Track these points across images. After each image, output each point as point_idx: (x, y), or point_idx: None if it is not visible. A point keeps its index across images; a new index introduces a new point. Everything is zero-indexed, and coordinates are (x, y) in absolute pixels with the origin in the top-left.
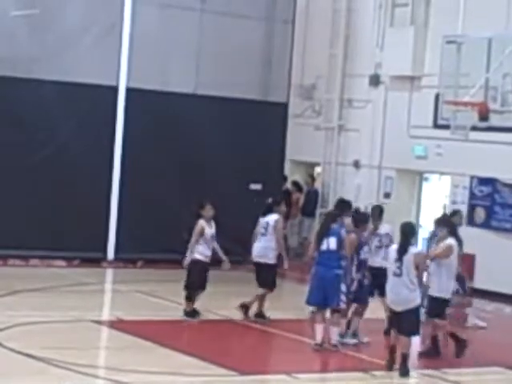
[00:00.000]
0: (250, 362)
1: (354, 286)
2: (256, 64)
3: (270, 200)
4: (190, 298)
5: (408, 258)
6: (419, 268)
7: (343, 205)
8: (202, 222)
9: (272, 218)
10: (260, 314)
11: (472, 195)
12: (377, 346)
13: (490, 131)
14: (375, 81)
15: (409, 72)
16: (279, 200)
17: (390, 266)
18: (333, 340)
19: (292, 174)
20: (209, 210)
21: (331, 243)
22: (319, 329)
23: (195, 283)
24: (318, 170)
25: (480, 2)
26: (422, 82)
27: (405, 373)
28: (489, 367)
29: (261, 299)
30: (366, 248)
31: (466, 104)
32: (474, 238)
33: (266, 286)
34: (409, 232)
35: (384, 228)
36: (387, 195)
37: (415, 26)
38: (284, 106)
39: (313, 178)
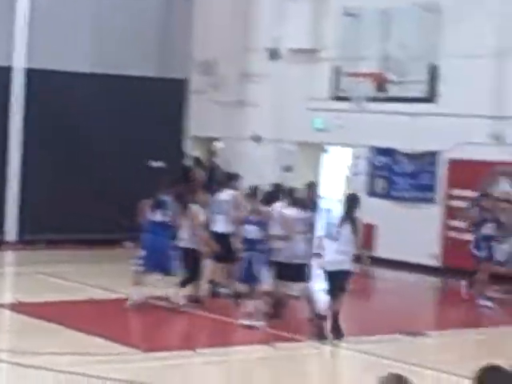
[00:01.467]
0: (154, 340)
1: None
2: (155, 40)
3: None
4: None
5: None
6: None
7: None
8: (196, 208)
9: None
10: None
11: (372, 166)
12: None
13: (388, 102)
14: (274, 54)
15: (308, 45)
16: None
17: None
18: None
19: (195, 150)
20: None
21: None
22: None
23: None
24: (218, 145)
25: None
26: (320, 54)
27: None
28: (390, 334)
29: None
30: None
31: (363, 75)
32: (374, 208)
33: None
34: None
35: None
36: (288, 168)
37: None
38: (183, 82)
39: (213, 154)
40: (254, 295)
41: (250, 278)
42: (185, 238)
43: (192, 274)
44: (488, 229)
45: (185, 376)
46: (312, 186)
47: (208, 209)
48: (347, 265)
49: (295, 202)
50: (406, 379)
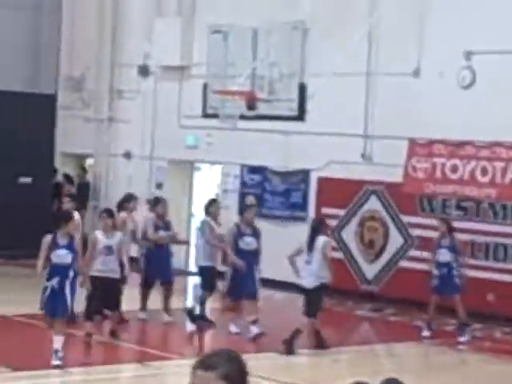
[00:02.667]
0: (23, 358)
1: None
2: (24, 56)
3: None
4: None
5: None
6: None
7: None
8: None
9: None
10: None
11: (243, 183)
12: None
13: (258, 120)
14: (144, 71)
15: (177, 62)
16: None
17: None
18: None
19: (63, 166)
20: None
21: None
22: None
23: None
24: (89, 161)
25: None
26: (191, 71)
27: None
28: (265, 353)
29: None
30: None
31: (233, 93)
32: None
33: None
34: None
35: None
36: (159, 185)
37: (182, 16)
38: (52, 98)
39: (84, 170)
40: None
41: None
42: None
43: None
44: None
45: None
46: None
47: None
48: None
49: None
50: None
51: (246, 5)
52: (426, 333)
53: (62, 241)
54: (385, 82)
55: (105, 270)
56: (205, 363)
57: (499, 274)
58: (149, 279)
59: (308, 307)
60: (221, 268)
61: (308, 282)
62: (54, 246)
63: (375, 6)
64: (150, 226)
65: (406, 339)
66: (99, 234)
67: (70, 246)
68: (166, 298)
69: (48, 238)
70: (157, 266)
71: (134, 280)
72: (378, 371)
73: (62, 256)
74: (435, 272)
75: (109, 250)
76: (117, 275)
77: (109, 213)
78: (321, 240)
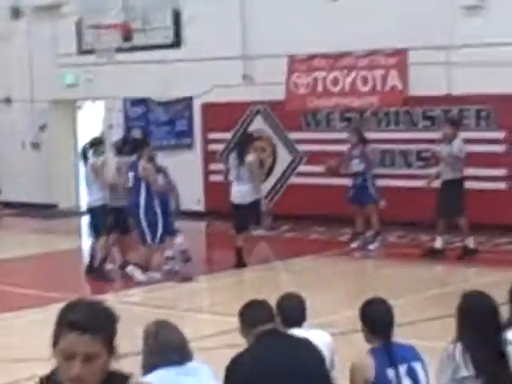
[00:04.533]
0: None
1: None
2: None
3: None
4: None
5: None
6: None
7: None
8: None
9: None
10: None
11: (127, 117)
12: None
13: (135, 51)
14: (16, 13)
15: (49, 1)
16: None
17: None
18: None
19: None
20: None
21: None
22: None
23: None
24: None
25: None
26: (63, 9)
27: None
28: (163, 283)
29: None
30: None
31: (107, 26)
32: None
33: None
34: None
35: None
36: (43, 127)
37: None
38: None
39: None
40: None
41: None
42: None
43: None
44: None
45: None
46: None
47: None
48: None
49: None
50: (168, 324)
51: None
52: (354, 244)
53: None
54: (259, 2)
55: None
56: (80, 324)
57: (388, 180)
58: None
59: (235, 222)
60: None
61: (239, 197)
62: None
63: None
64: None
65: (303, 254)
66: None
67: None
68: None
69: None
70: None
71: None
72: (278, 288)
73: None
74: (349, 183)
75: None
76: None
77: None
78: (250, 157)
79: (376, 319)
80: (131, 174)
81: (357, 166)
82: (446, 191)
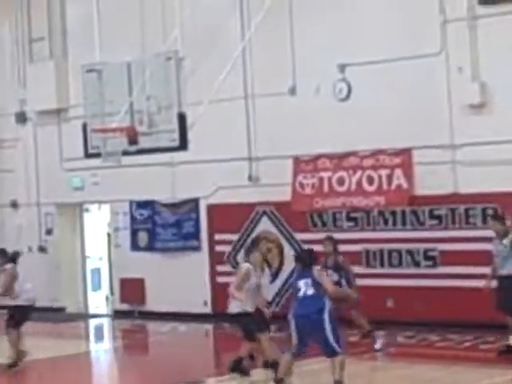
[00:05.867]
0: None
1: None
2: None
3: None
4: None
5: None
6: None
7: None
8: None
9: None
10: None
11: (133, 220)
12: None
13: (141, 154)
14: (22, 118)
15: (54, 105)
16: None
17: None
18: None
19: None
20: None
21: None
22: None
23: None
24: None
25: (115, 30)
26: (68, 113)
27: None
28: None
29: None
30: None
31: (113, 130)
32: (139, 262)
33: None
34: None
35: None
36: (49, 231)
37: (55, 59)
38: None
39: None
40: None
41: None
42: None
43: None
44: None
45: None
46: None
47: None
48: None
49: None
50: None
51: (118, 40)
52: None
53: None
54: (263, 102)
55: None
56: None
57: (396, 280)
58: None
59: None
60: None
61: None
62: None
63: (245, 28)
64: None
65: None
66: None
67: None
68: None
69: None
70: None
71: None
72: None
73: None
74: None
75: None
76: None
77: None
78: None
79: None
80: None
81: (332, 276)
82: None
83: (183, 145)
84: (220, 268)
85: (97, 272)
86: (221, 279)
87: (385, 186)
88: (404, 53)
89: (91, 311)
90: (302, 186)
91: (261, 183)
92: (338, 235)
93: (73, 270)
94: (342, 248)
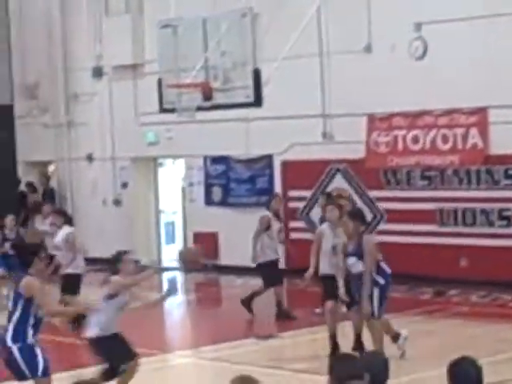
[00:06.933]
0: None
1: None
2: None
3: None
4: None
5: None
6: None
7: None
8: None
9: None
10: None
11: (207, 175)
12: None
13: (215, 109)
14: (98, 72)
15: (130, 60)
16: None
17: None
18: None
19: (26, 175)
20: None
21: None
22: None
23: None
24: (51, 168)
25: None
26: (144, 69)
27: None
28: (243, 339)
29: None
30: None
31: (188, 85)
32: (213, 217)
33: None
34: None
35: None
36: (124, 185)
37: (131, 14)
38: (9, 108)
39: (47, 177)
40: None
41: None
42: None
43: None
44: None
45: None
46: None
47: None
48: None
49: None
50: (252, 380)
51: None
52: None
53: None
54: (338, 60)
55: None
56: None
57: (470, 239)
58: None
59: None
60: None
61: None
62: None
63: None
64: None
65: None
66: None
67: None
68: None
69: None
70: None
71: None
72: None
73: None
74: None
75: None
76: None
77: None
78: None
79: (466, 380)
80: None
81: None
82: None
83: (258, 101)
84: (293, 224)
85: (171, 226)
86: (294, 235)
87: (459, 145)
88: (483, 11)
89: (165, 264)
90: (376, 143)
91: (335, 140)
92: (411, 193)
93: (147, 223)
94: (416, 206)
